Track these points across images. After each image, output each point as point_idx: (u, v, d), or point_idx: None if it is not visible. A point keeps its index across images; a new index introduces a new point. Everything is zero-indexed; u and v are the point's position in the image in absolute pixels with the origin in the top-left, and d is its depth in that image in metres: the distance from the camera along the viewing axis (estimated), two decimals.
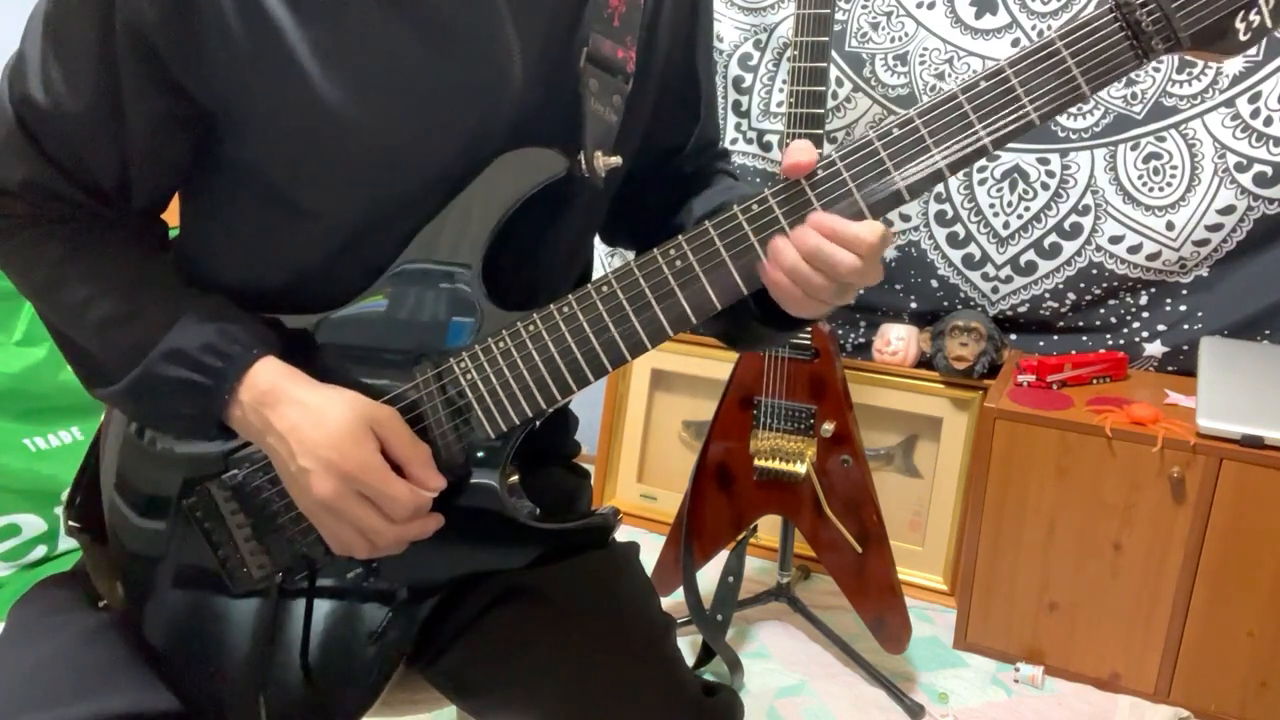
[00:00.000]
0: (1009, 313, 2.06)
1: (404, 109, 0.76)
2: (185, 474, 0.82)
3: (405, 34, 0.75)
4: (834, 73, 2.05)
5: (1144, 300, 1.95)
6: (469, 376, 0.79)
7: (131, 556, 0.86)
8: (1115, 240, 1.93)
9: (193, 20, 0.71)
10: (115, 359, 0.77)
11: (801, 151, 0.73)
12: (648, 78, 0.86)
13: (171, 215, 0.87)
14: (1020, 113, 0.69)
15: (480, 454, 0.81)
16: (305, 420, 0.74)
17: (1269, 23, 0.64)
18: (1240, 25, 0.64)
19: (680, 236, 0.75)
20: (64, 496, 0.92)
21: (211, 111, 0.75)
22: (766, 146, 2.17)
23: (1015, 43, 1.92)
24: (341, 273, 0.81)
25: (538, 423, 0.82)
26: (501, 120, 0.79)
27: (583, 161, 0.80)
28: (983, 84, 0.69)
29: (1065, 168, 1.94)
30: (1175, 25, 0.66)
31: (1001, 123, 0.70)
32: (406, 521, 0.77)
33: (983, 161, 1.80)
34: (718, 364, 2.22)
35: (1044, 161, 1.96)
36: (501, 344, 0.78)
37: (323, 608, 0.84)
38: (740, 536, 1.79)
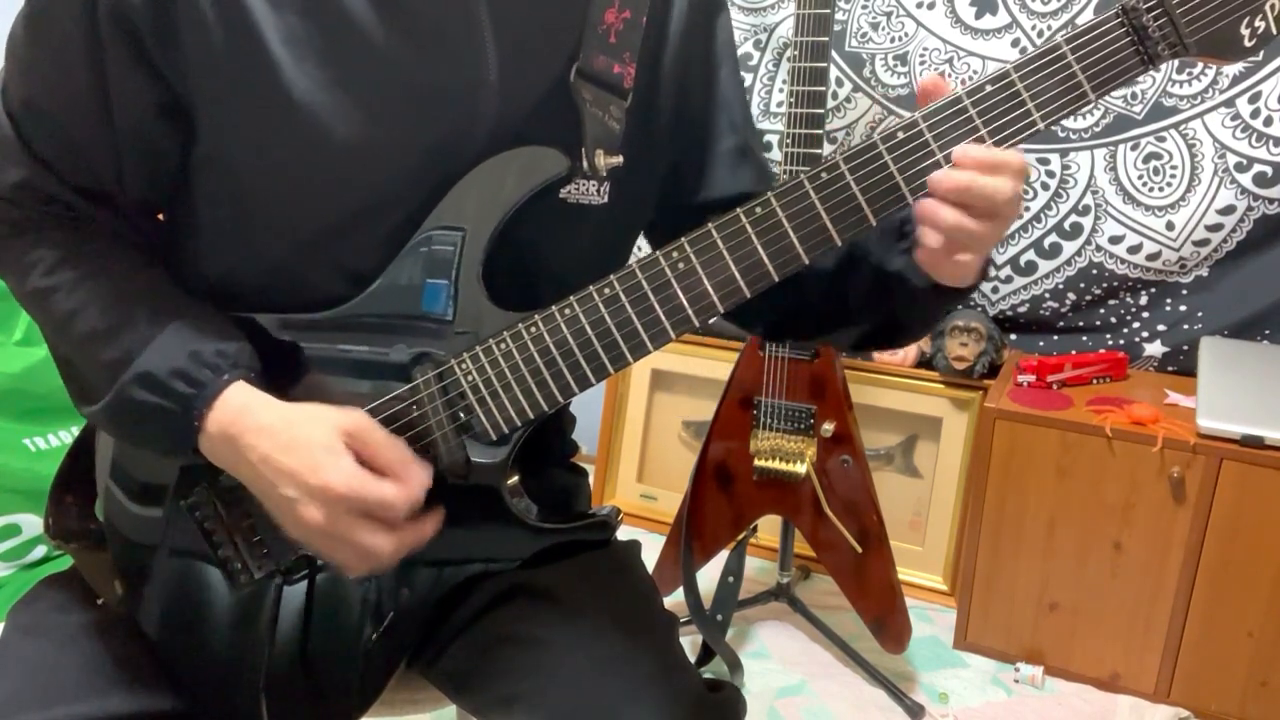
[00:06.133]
0: (1009, 313, 2.06)
1: (372, 102, 0.75)
2: (184, 473, 0.82)
3: (379, 30, 0.74)
4: (834, 73, 2.04)
5: (1144, 300, 1.95)
6: (470, 378, 0.79)
7: (131, 556, 0.86)
8: (1115, 240, 1.93)
9: (171, 4, 0.71)
10: (96, 377, 0.76)
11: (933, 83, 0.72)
12: (655, 98, 0.86)
13: None
14: (1026, 119, 0.69)
15: (482, 455, 0.81)
16: (274, 447, 0.72)
17: (1274, 29, 0.64)
18: (1245, 31, 0.64)
19: (683, 238, 0.75)
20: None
21: (186, 101, 0.75)
22: (766, 146, 2.17)
23: (1015, 43, 1.92)
24: (316, 275, 0.80)
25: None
26: (479, 125, 0.78)
27: (584, 160, 0.80)
28: (988, 88, 0.69)
29: (1065, 168, 1.94)
30: (1182, 31, 0.66)
31: (1006, 128, 0.70)
32: (404, 523, 0.75)
33: None
34: (718, 364, 2.22)
35: (1044, 161, 1.96)
36: (503, 345, 0.78)
37: (324, 606, 0.84)
38: (740, 536, 1.79)
